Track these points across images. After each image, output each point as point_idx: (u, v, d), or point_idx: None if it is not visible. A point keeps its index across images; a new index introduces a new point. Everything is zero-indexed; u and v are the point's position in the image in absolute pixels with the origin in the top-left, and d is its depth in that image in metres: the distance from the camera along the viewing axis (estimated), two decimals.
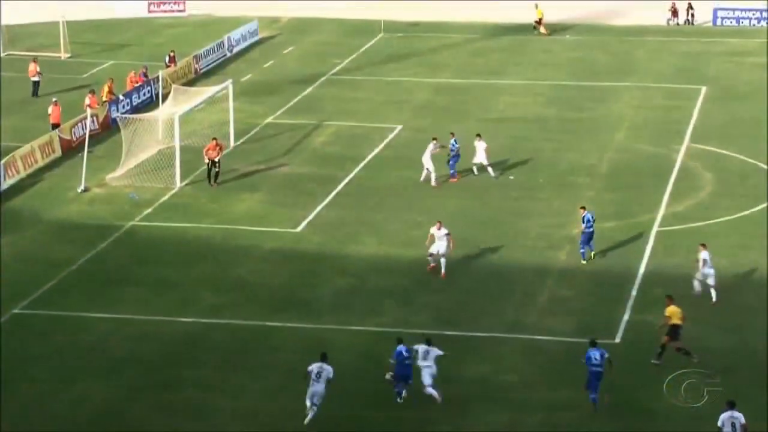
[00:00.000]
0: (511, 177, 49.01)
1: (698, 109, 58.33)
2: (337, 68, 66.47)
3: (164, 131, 51.51)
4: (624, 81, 63.29)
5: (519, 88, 62.58)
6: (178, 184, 48.20)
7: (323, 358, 31.31)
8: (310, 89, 62.26)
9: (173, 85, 55.90)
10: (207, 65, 66.64)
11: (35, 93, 60.85)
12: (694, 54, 69.15)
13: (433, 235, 39.53)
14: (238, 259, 41.48)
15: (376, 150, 52.37)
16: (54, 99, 55.15)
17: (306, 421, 30.85)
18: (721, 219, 44.52)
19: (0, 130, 53.53)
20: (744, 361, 34.13)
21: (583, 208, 41.12)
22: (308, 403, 30.86)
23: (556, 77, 64.49)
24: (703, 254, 37.72)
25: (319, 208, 45.76)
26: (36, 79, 61.16)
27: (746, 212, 45.02)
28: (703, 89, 61.38)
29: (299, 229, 44.06)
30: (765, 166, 49.55)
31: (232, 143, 53.03)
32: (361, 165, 50.48)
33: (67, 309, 37.66)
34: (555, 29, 74.65)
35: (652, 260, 41.06)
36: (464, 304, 38.07)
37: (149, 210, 45.84)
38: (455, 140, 48.39)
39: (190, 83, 61.31)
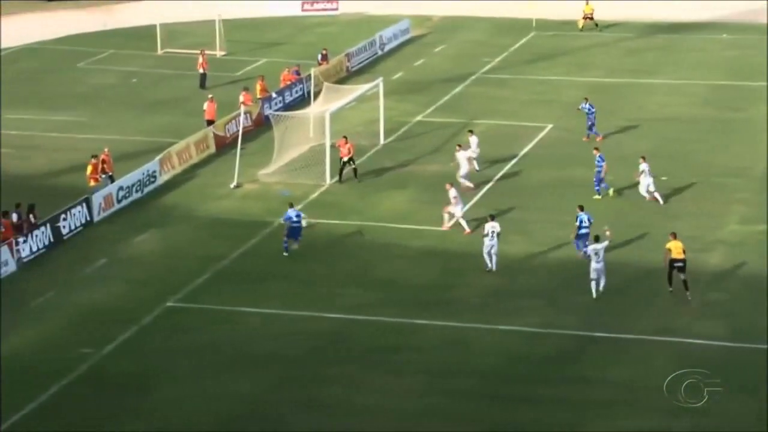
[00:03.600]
0: (664, 178, 48.27)
1: None
2: (488, 67, 66.30)
3: (315, 129, 51.99)
4: None
5: (672, 88, 61.62)
6: (328, 181, 48.61)
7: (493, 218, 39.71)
8: (460, 88, 62.23)
9: (325, 83, 56.34)
10: (358, 63, 67.07)
11: (203, 85, 62.13)
12: None
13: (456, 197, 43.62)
14: (384, 256, 41.66)
15: (526, 149, 52.08)
16: (210, 95, 56.10)
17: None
18: None
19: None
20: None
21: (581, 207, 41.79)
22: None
23: (711, 77, 63.31)
24: (643, 166, 45.29)
25: (466, 207, 45.66)
26: (202, 71, 62.46)
27: None
28: None
29: (445, 227, 44.04)
30: None
31: (381, 141, 53.32)
32: (510, 164, 50.24)
33: (217, 303, 38.27)
34: (712, 28, 73.38)
35: None
36: (612, 305, 37.61)
37: (299, 206, 46.27)
38: (591, 104, 52.66)
39: (342, 81, 61.76)
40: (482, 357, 34.52)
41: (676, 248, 37.60)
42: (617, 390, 32.67)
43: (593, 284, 37.60)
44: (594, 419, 31.27)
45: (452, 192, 43.64)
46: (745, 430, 30.75)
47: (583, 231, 40.13)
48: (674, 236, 38.05)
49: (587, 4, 74.28)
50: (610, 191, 45.83)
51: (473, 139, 49.39)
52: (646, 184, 45.38)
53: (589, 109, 52.68)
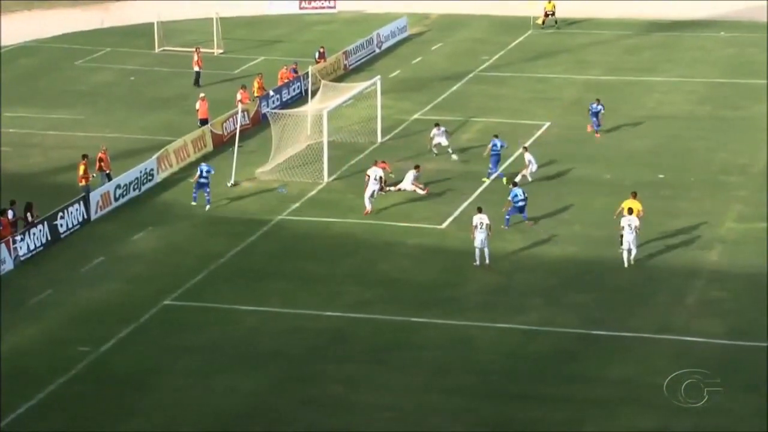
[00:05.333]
0: (661, 176, 48.24)
1: None
2: (486, 65, 66.24)
3: (313, 127, 51.92)
4: None
5: (671, 86, 61.59)
6: (326, 179, 48.53)
7: (480, 210, 40.05)
8: (457, 85, 62.16)
9: (322, 81, 56.25)
10: (356, 61, 66.99)
11: (197, 83, 62.07)
12: None
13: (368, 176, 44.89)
14: (383, 254, 41.60)
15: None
16: (201, 94, 55.91)
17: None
18: None
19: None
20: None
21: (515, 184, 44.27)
22: None
23: (710, 74, 63.28)
24: (527, 156, 46.99)
25: (464, 204, 45.60)
26: (197, 69, 62.39)
27: None
28: None
29: (444, 225, 43.98)
30: None
31: (379, 139, 53.23)
32: (508, 162, 50.14)
33: (215, 302, 38.18)
34: (711, 26, 73.36)
35: None
36: (612, 303, 37.57)
37: (297, 204, 46.27)
38: (601, 104, 52.89)
39: (339, 79, 61.67)
40: (482, 355, 34.48)
41: (631, 207, 39.72)
42: (617, 388, 32.62)
43: (625, 254, 39.27)
44: (594, 417, 31.21)
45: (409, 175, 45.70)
46: (745, 429, 30.69)
47: (520, 204, 42.42)
48: (634, 195, 40.63)
49: (549, 2, 74.42)
50: (504, 179, 46.91)
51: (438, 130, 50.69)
52: (531, 170, 46.88)
53: (596, 109, 52.95)
